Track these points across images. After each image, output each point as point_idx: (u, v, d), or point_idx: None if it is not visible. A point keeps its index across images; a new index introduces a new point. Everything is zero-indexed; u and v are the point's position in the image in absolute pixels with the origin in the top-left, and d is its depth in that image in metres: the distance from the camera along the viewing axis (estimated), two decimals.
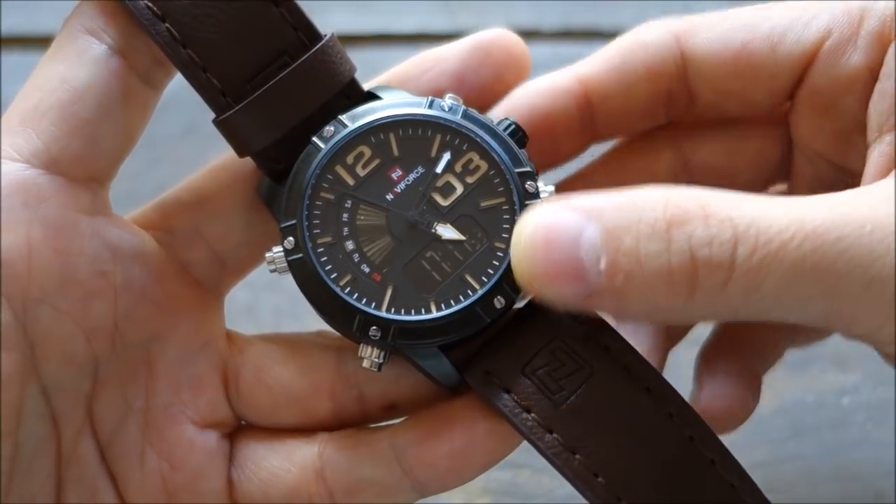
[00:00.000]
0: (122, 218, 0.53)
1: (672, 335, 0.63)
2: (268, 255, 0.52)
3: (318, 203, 0.52)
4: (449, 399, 0.53)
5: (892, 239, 0.45)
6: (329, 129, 0.52)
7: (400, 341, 0.51)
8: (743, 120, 0.60)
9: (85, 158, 0.51)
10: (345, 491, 0.53)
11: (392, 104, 0.53)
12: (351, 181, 0.52)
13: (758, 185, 0.61)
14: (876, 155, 0.52)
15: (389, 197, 0.52)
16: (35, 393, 0.51)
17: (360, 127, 0.52)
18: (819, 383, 0.74)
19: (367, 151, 0.52)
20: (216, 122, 0.52)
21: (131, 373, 0.53)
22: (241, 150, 0.53)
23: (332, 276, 0.51)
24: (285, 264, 0.52)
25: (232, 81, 0.52)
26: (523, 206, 0.51)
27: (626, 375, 0.51)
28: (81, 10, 0.52)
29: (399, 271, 0.51)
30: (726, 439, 0.51)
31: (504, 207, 0.52)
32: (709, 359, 0.62)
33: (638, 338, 0.60)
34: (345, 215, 0.52)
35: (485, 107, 0.55)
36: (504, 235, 0.51)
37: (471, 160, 0.52)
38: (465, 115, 0.52)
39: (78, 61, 0.51)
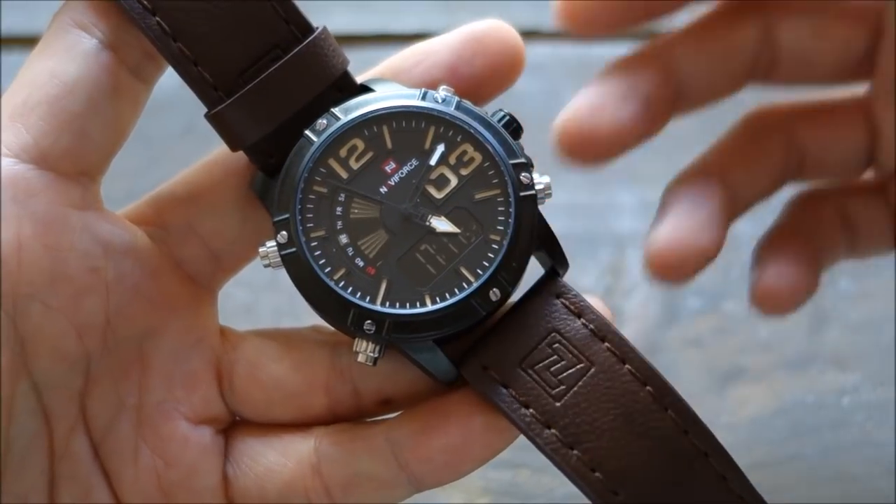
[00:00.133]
0: (114, 213, 0.52)
1: (736, 205, 0.63)
2: (261, 249, 0.51)
3: (311, 197, 0.51)
4: (445, 393, 0.52)
5: None
6: (321, 122, 0.51)
7: (395, 335, 0.50)
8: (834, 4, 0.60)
9: (75, 153, 0.50)
10: (341, 485, 0.53)
11: (385, 96, 0.52)
12: (344, 174, 0.51)
13: (839, 77, 0.62)
14: None
15: (383, 190, 0.51)
16: (26, 389, 0.50)
17: (352, 120, 0.51)
18: (819, 383, 0.74)
19: (361, 144, 0.51)
20: (208, 116, 0.51)
21: (124, 369, 0.52)
22: (233, 145, 0.52)
23: (326, 270, 0.50)
24: (279, 259, 0.51)
25: (223, 75, 0.51)
26: (518, 198, 0.51)
27: (624, 371, 0.51)
28: (71, 4, 0.51)
29: (393, 265, 0.51)
30: (726, 440, 0.51)
31: (499, 199, 0.51)
32: (772, 244, 0.63)
33: (697, 207, 0.60)
34: (338, 209, 0.51)
35: (479, 98, 0.54)
36: (499, 228, 0.51)
37: (465, 152, 0.51)
38: (459, 107, 0.52)
39: (67, 56, 0.50)
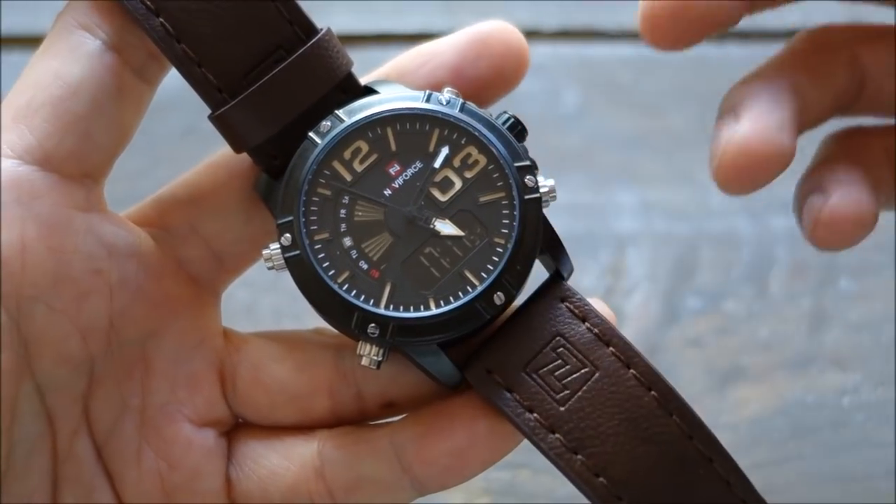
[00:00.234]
0: (117, 215, 0.52)
1: (802, 118, 0.59)
2: (265, 252, 0.51)
3: (314, 199, 0.50)
4: (449, 397, 0.52)
5: None
6: (326, 123, 0.51)
7: (399, 339, 0.50)
8: None
9: (79, 155, 0.50)
10: (344, 489, 0.52)
11: (389, 98, 0.51)
12: (348, 177, 0.51)
13: None
14: None
15: (387, 192, 0.51)
16: (29, 391, 0.50)
17: (356, 122, 0.51)
18: (819, 383, 0.74)
19: (365, 146, 0.51)
20: (212, 118, 0.51)
21: (127, 371, 0.52)
22: (237, 146, 0.51)
23: (330, 273, 0.50)
24: (282, 261, 0.50)
25: (227, 76, 0.50)
26: (523, 201, 0.50)
27: (629, 375, 0.50)
28: (74, 5, 0.51)
29: (397, 268, 0.50)
30: (727, 440, 0.50)
31: (503, 202, 0.50)
32: (829, 171, 0.58)
33: (775, 107, 0.57)
34: (342, 211, 0.51)
35: (483, 100, 0.54)
36: (503, 231, 0.50)
37: (469, 154, 0.51)
38: (464, 109, 0.51)
39: (71, 57, 0.50)
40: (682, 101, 0.83)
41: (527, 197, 0.50)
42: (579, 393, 0.50)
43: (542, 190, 0.51)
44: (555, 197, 0.51)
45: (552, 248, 0.52)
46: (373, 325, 0.50)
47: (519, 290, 0.51)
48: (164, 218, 0.53)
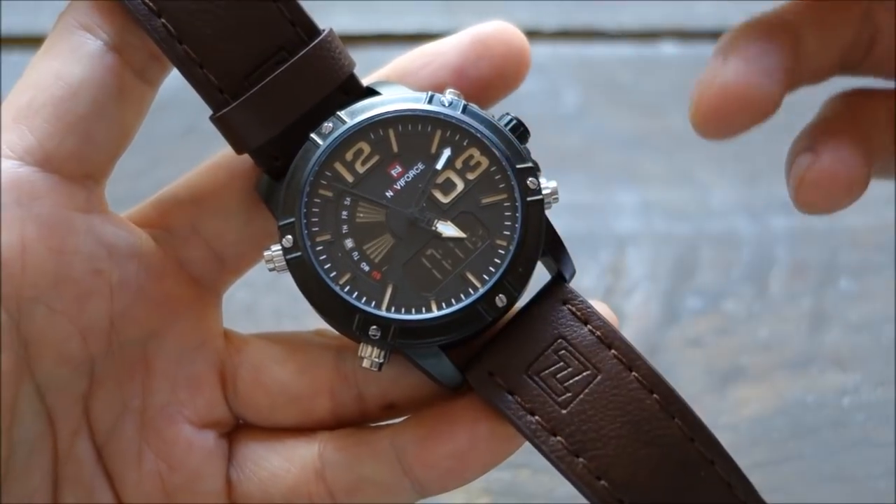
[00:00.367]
0: (118, 216, 0.52)
1: (798, 71, 0.57)
2: (266, 253, 0.50)
3: (316, 200, 0.50)
4: (450, 399, 0.52)
5: None
6: (327, 125, 0.50)
7: (400, 341, 0.50)
8: None
9: (79, 155, 0.49)
10: (345, 490, 0.52)
11: (391, 100, 0.51)
12: (350, 178, 0.50)
13: None
14: None
15: (389, 194, 0.50)
16: (29, 392, 0.49)
17: (358, 123, 0.50)
18: (819, 383, 0.74)
19: (367, 148, 0.50)
20: (213, 119, 0.51)
21: (128, 372, 0.52)
22: (238, 147, 0.51)
23: (332, 275, 0.50)
24: (284, 263, 0.50)
25: (229, 77, 0.50)
26: (525, 203, 0.50)
27: (631, 378, 0.50)
28: (76, 5, 0.50)
29: (399, 270, 0.50)
30: (727, 440, 0.50)
31: (505, 204, 0.50)
32: (823, 131, 0.57)
33: (765, 54, 0.55)
34: (344, 213, 0.50)
35: (485, 100, 0.54)
36: (505, 233, 0.50)
37: (471, 156, 0.50)
38: (466, 111, 0.51)
39: (72, 57, 0.49)
40: (682, 101, 0.81)
41: (529, 199, 0.50)
42: (581, 395, 0.50)
43: (544, 192, 0.50)
44: (557, 199, 0.51)
45: (554, 250, 0.51)
46: (374, 326, 0.49)
47: (521, 292, 0.50)
48: (165, 218, 0.53)
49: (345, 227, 0.50)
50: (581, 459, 0.49)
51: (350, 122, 0.50)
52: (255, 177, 0.53)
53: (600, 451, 0.49)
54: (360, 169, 0.50)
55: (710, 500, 0.49)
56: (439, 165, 0.50)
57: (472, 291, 0.50)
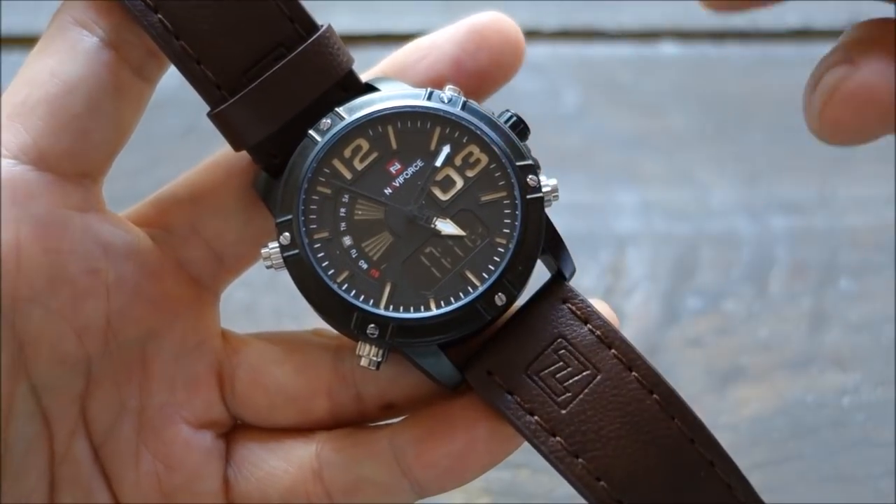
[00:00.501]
0: (115, 214, 0.51)
1: None
2: (263, 251, 0.50)
3: (314, 198, 0.50)
4: (449, 399, 0.51)
5: None
6: (326, 121, 0.50)
7: (398, 339, 0.49)
8: None
9: (75, 154, 0.49)
10: (343, 491, 0.52)
11: (390, 96, 0.50)
12: (348, 175, 0.50)
13: None
14: None
15: (388, 191, 0.50)
16: (25, 392, 0.49)
17: (357, 119, 0.50)
18: (819, 383, 0.73)
19: (365, 144, 0.50)
20: (210, 116, 0.50)
21: (125, 372, 0.51)
22: (236, 144, 0.51)
23: (329, 273, 0.49)
24: (281, 260, 0.50)
25: (227, 74, 0.50)
26: (524, 201, 0.49)
27: (631, 378, 0.50)
28: (71, 2, 0.50)
29: (398, 267, 0.49)
30: (727, 440, 0.50)
31: (505, 202, 0.50)
32: (868, 44, 0.49)
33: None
34: (342, 210, 0.50)
35: (482, 92, 0.54)
36: (505, 230, 0.49)
37: (471, 153, 0.50)
38: (465, 107, 0.50)
39: (68, 54, 0.49)
40: (682, 101, 0.82)
41: (529, 196, 0.49)
42: (581, 395, 0.49)
43: (544, 189, 0.50)
44: (557, 196, 0.50)
45: (554, 249, 0.51)
46: (372, 325, 0.49)
47: (520, 290, 0.50)
48: (163, 217, 0.53)
49: (343, 224, 0.50)
50: (580, 460, 0.49)
51: (348, 118, 0.50)
52: (253, 174, 0.52)
53: (600, 451, 0.49)
54: (359, 166, 0.50)
55: (709, 501, 0.49)
56: (438, 162, 0.50)
57: (471, 290, 0.49)
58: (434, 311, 0.49)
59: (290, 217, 0.49)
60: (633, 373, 0.49)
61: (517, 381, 0.49)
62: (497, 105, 0.52)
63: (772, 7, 0.48)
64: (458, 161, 0.50)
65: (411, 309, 0.49)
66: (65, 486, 0.51)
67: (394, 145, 0.50)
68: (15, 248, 0.47)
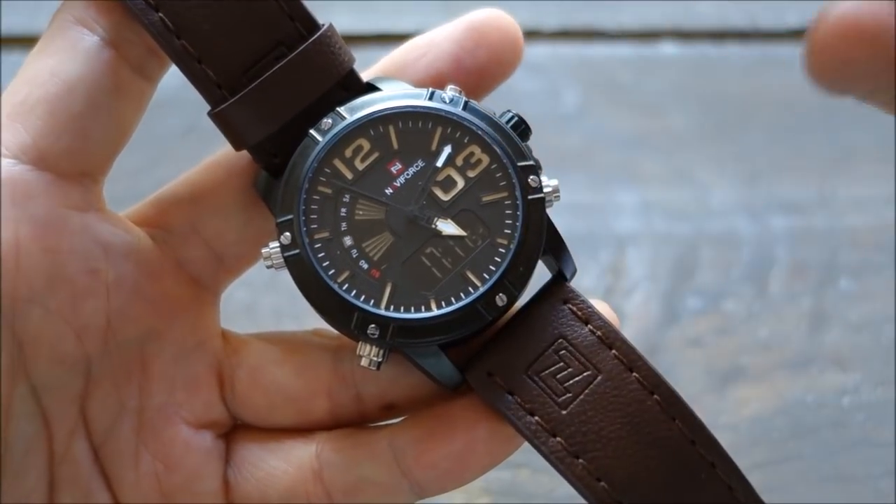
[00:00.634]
0: (116, 214, 0.51)
1: None
2: (264, 250, 0.50)
3: (315, 197, 0.49)
4: (449, 399, 0.51)
5: None
6: (327, 121, 0.50)
7: (399, 340, 0.49)
8: None
9: (75, 153, 0.49)
10: (343, 491, 0.51)
11: (392, 96, 0.50)
12: (349, 175, 0.49)
13: None
14: None
15: (388, 191, 0.50)
16: (24, 393, 0.49)
17: (358, 119, 0.49)
18: (819, 383, 0.73)
19: (366, 144, 0.50)
20: (211, 115, 0.50)
21: (125, 372, 0.51)
22: (237, 144, 0.50)
23: (330, 273, 0.49)
24: (282, 260, 0.49)
25: (227, 73, 0.49)
26: (526, 202, 0.49)
27: (632, 379, 0.49)
28: (72, 1, 0.49)
29: (398, 268, 0.49)
30: (726, 440, 0.50)
31: (506, 202, 0.49)
32: None
33: None
34: (343, 210, 0.49)
35: (482, 89, 0.53)
36: (506, 231, 0.49)
37: (472, 154, 0.50)
38: (467, 107, 0.50)
39: (68, 54, 0.49)
40: (682, 101, 0.82)
41: (530, 197, 0.49)
42: (581, 396, 0.49)
43: (545, 190, 0.50)
44: (558, 197, 0.50)
45: (555, 249, 0.51)
46: (373, 325, 0.49)
47: (521, 291, 0.50)
48: (163, 217, 0.52)
49: (344, 224, 0.49)
50: (581, 461, 0.48)
51: (350, 118, 0.50)
52: (253, 174, 0.52)
53: (600, 452, 0.48)
54: (360, 166, 0.50)
55: (710, 502, 0.49)
56: (440, 163, 0.50)
57: (471, 290, 0.49)
58: (435, 312, 0.49)
59: (290, 217, 0.49)
60: (634, 373, 0.49)
61: (518, 381, 0.49)
62: (497, 105, 0.52)
63: None
64: (459, 161, 0.50)
65: (412, 309, 0.49)
66: (64, 486, 0.51)
67: (395, 145, 0.50)
68: (14, 248, 0.47)
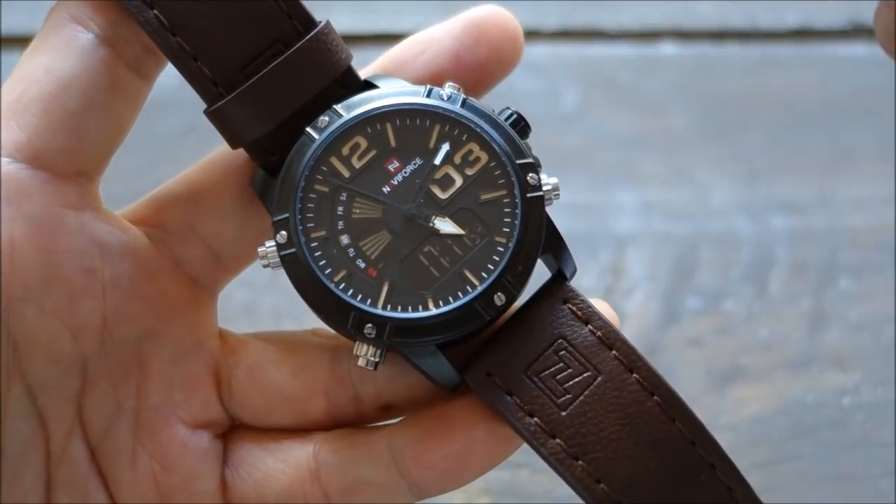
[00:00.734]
0: (112, 213, 0.50)
1: None
2: (260, 249, 0.49)
3: (311, 196, 0.49)
4: (447, 400, 0.51)
5: None
6: (323, 118, 0.49)
7: (396, 339, 0.48)
8: None
9: (71, 152, 0.48)
10: (340, 492, 0.51)
11: (389, 93, 0.50)
12: (346, 173, 0.49)
13: None
14: None
15: (386, 189, 0.49)
16: (20, 393, 0.48)
17: (355, 117, 0.49)
18: (819, 383, 0.73)
19: (363, 142, 0.49)
20: (207, 113, 0.49)
21: (122, 372, 0.51)
22: (233, 142, 0.50)
23: (327, 272, 0.48)
24: (278, 259, 0.49)
25: (224, 70, 0.49)
26: (525, 200, 0.49)
27: (632, 380, 0.49)
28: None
29: (396, 267, 0.49)
30: (726, 440, 0.49)
31: (505, 200, 0.49)
32: None
33: None
34: (339, 208, 0.49)
35: (482, 86, 0.53)
36: (505, 229, 0.49)
37: (470, 151, 0.49)
38: (465, 105, 0.50)
39: (63, 52, 0.48)
40: (682, 101, 0.82)
41: (529, 195, 0.49)
42: (581, 397, 0.49)
43: (544, 188, 0.49)
44: (558, 195, 0.50)
45: (555, 248, 0.50)
46: (370, 325, 0.48)
47: (520, 290, 0.49)
48: (160, 216, 0.52)
49: (340, 223, 0.49)
50: (580, 462, 0.48)
51: (347, 115, 0.49)
52: (251, 173, 0.51)
53: (600, 453, 0.48)
54: (357, 164, 0.49)
55: (707, 500, 0.49)
56: (437, 160, 0.49)
57: (470, 289, 0.48)
58: (432, 311, 0.48)
59: (286, 215, 0.48)
60: (634, 374, 0.49)
61: (517, 382, 0.49)
62: (497, 105, 0.52)
63: None
64: (457, 159, 0.49)
65: (409, 308, 0.48)
66: (61, 486, 0.50)
67: (392, 143, 0.49)
68: (9, 247, 0.47)
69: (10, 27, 0.83)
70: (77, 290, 0.48)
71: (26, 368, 0.48)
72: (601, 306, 0.50)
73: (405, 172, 0.49)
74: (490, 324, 0.49)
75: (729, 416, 0.71)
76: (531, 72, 0.55)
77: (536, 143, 0.51)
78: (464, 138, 0.49)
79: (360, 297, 0.48)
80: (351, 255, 0.49)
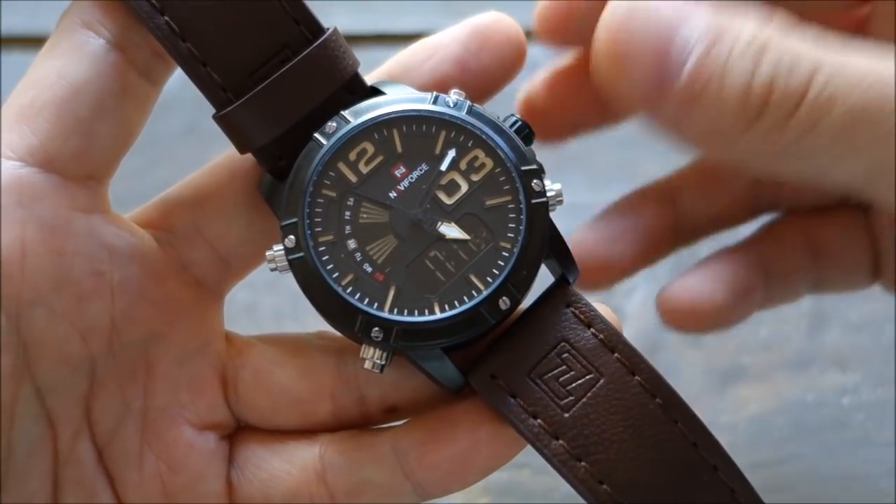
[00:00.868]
0: (121, 216, 0.51)
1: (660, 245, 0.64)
2: (268, 253, 0.50)
3: (319, 201, 0.49)
4: (452, 402, 0.51)
5: None
6: (331, 124, 0.50)
7: (402, 343, 0.49)
8: None
9: (82, 156, 0.49)
10: (346, 493, 0.52)
11: (396, 100, 0.50)
12: (353, 178, 0.50)
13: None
14: None
15: (392, 195, 0.50)
16: (29, 394, 0.49)
17: (363, 123, 0.50)
18: (819, 383, 0.73)
19: (370, 148, 0.50)
20: (216, 118, 0.50)
21: (130, 373, 0.51)
22: (241, 147, 0.50)
23: (334, 276, 0.49)
24: (286, 263, 0.49)
25: (232, 76, 0.49)
26: (529, 205, 0.49)
27: (634, 382, 0.49)
28: (78, 4, 0.50)
29: (402, 271, 0.49)
30: (727, 440, 0.50)
31: (510, 206, 0.50)
32: (719, 255, 0.63)
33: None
34: (347, 213, 0.50)
35: (486, 92, 0.54)
36: (510, 235, 0.49)
37: (476, 157, 0.50)
38: (471, 111, 0.50)
39: (75, 56, 0.49)
40: None
41: (533, 201, 0.49)
42: (584, 399, 0.49)
43: (548, 194, 0.50)
44: (561, 201, 0.50)
45: (559, 253, 0.51)
46: (376, 328, 0.49)
47: (524, 295, 0.50)
48: (168, 219, 0.52)
49: (348, 227, 0.49)
50: (583, 463, 0.49)
51: (354, 121, 0.50)
52: (257, 177, 0.52)
53: (602, 455, 0.49)
54: (364, 169, 0.50)
55: (710, 502, 0.49)
56: (443, 166, 0.50)
57: (475, 294, 0.49)
58: (438, 315, 0.49)
59: (295, 220, 0.49)
60: (636, 377, 0.49)
61: (520, 384, 0.49)
62: (498, 106, 0.52)
63: None
64: (463, 165, 0.50)
65: (415, 312, 0.49)
66: (68, 487, 0.51)
67: (399, 149, 0.50)
68: (20, 251, 0.47)
69: (10, 27, 0.83)
70: (86, 292, 0.49)
71: (35, 370, 0.48)
72: (602, 309, 0.51)
73: (411, 178, 0.50)
74: (495, 327, 0.49)
75: (729, 416, 0.71)
76: (530, 72, 0.55)
77: (536, 144, 0.52)
78: (469, 144, 0.50)
79: (366, 300, 0.49)
80: (358, 259, 0.49)
